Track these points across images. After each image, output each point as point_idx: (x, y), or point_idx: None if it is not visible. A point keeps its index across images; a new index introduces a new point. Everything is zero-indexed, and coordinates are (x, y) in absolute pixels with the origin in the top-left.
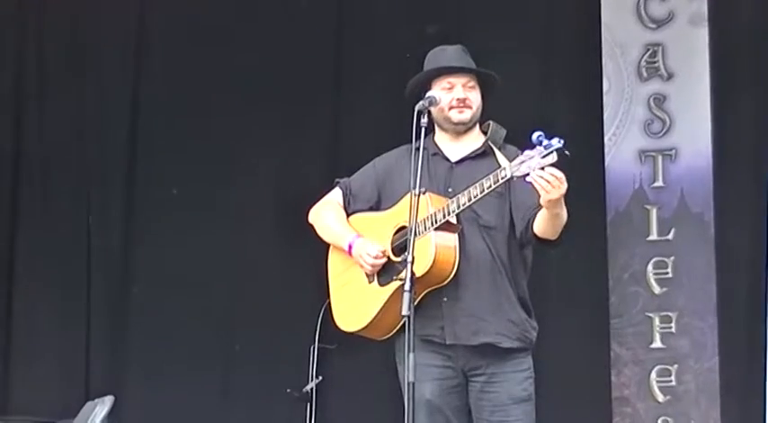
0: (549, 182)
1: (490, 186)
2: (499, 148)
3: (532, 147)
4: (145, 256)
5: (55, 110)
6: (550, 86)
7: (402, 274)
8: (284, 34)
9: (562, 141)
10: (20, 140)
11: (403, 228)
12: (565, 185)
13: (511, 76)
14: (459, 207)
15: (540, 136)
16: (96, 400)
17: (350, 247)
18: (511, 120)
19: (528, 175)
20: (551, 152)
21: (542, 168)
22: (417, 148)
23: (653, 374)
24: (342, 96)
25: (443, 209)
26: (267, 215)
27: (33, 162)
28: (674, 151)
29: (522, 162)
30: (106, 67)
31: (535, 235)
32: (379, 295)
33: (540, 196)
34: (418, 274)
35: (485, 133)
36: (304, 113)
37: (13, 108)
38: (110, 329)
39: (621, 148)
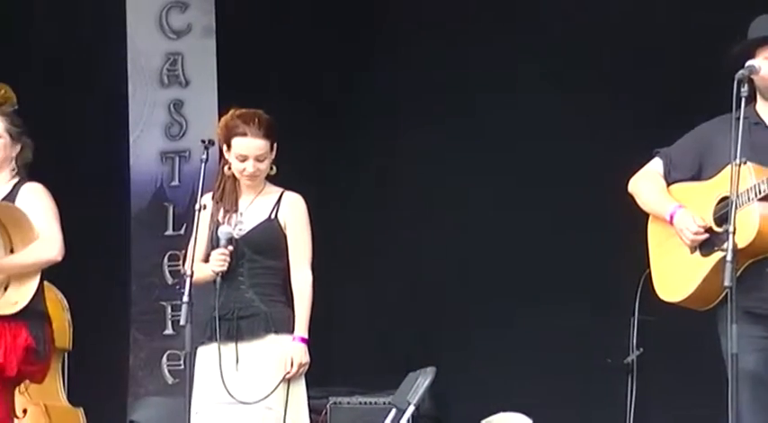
0: None
1: None
2: None
3: None
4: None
5: None
6: None
7: (725, 245)
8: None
9: None
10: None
11: (725, 198)
12: None
13: None
14: None
15: None
16: (419, 371)
17: (671, 217)
18: None
19: None
20: None
21: None
22: (738, 118)
23: None
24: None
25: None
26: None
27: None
28: None
29: None
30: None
31: None
32: (701, 265)
33: None
34: (741, 245)
35: None
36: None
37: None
38: (426, 300)
39: None
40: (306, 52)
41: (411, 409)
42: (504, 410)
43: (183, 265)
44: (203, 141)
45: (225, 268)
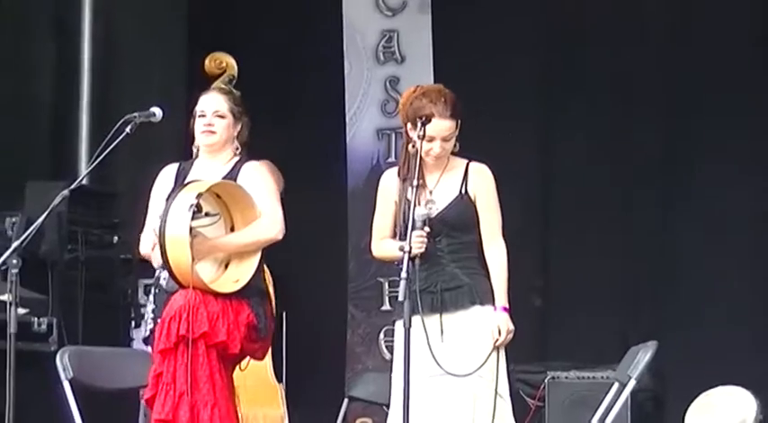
0: None
1: None
2: None
3: None
4: (693, 209)
5: None
6: None
7: None
8: None
9: None
10: None
11: None
12: None
13: None
14: None
15: None
16: (640, 346)
17: None
18: None
19: None
20: None
21: None
22: None
23: None
24: None
25: None
26: None
27: None
28: None
29: None
30: None
31: None
32: None
33: None
34: None
35: None
36: None
37: None
38: (646, 274)
39: None
40: (518, 30)
41: (632, 383)
42: (724, 384)
43: (371, 243)
44: (420, 118)
45: (423, 249)
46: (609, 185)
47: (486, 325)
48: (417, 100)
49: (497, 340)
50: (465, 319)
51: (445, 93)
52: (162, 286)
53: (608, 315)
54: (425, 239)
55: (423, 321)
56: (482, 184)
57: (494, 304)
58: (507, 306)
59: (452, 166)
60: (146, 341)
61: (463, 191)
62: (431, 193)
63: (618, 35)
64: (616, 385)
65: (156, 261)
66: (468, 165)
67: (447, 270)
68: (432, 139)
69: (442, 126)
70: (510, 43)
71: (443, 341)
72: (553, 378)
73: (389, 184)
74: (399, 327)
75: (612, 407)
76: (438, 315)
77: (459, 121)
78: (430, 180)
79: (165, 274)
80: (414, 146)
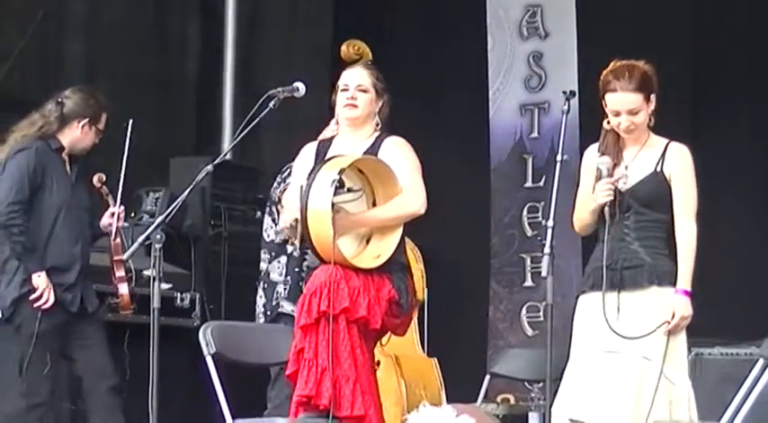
0: None
1: None
2: None
3: None
4: None
5: None
6: None
7: None
8: None
9: None
10: None
11: None
12: None
13: None
14: None
15: None
16: None
17: None
18: None
19: None
20: None
21: None
22: None
23: None
24: None
25: None
26: None
27: None
28: None
29: None
30: None
31: None
32: None
33: None
34: None
35: None
36: None
37: None
38: None
39: None
40: (666, 4)
41: None
42: None
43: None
44: (564, 93)
45: (611, 197)
46: (753, 160)
47: (662, 306)
48: (606, 76)
49: (669, 323)
50: (642, 299)
51: (631, 66)
52: (271, 280)
53: (752, 290)
54: (612, 187)
55: (603, 297)
56: (680, 163)
57: (674, 285)
58: (689, 289)
59: (651, 144)
60: None
61: (659, 168)
62: (626, 167)
63: None
64: (761, 361)
65: (285, 225)
66: (668, 144)
67: (630, 248)
68: (617, 114)
69: (624, 99)
70: (657, 18)
71: (619, 319)
72: (697, 355)
73: (590, 158)
74: (582, 301)
75: (757, 383)
76: (616, 292)
77: (652, 96)
78: (627, 155)
79: (273, 266)
80: (608, 122)
